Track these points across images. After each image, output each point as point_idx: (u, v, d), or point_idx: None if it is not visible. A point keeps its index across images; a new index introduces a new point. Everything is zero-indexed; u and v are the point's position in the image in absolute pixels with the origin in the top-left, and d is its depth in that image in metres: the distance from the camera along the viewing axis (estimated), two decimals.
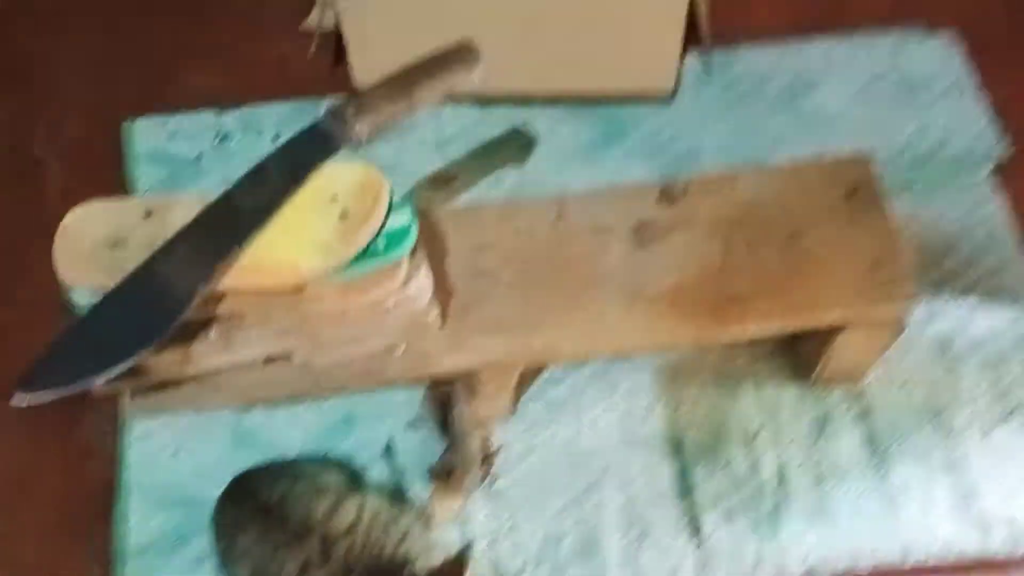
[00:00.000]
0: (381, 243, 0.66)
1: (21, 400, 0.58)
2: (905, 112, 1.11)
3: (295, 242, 0.64)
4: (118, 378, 0.70)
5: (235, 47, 1.12)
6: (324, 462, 0.91)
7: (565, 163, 1.08)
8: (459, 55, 0.71)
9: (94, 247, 0.63)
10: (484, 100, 1.11)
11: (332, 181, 0.66)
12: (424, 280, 0.70)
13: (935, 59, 1.15)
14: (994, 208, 1.06)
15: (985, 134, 1.10)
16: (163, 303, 0.61)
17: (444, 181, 1.06)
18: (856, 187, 0.83)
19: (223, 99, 1.12)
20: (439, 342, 0.76)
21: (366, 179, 0.66)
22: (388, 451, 0.94)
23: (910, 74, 1.14)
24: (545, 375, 0.97)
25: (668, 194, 0.82)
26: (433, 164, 1.08)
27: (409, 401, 0.96)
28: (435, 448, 0.94)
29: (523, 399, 0.96)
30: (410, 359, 0.75)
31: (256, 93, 1.12)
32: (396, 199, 0.67)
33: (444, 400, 0.93)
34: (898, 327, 0.82)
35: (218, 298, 0.65)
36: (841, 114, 1.11)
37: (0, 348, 0.92)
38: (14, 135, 1.10)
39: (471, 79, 0.71)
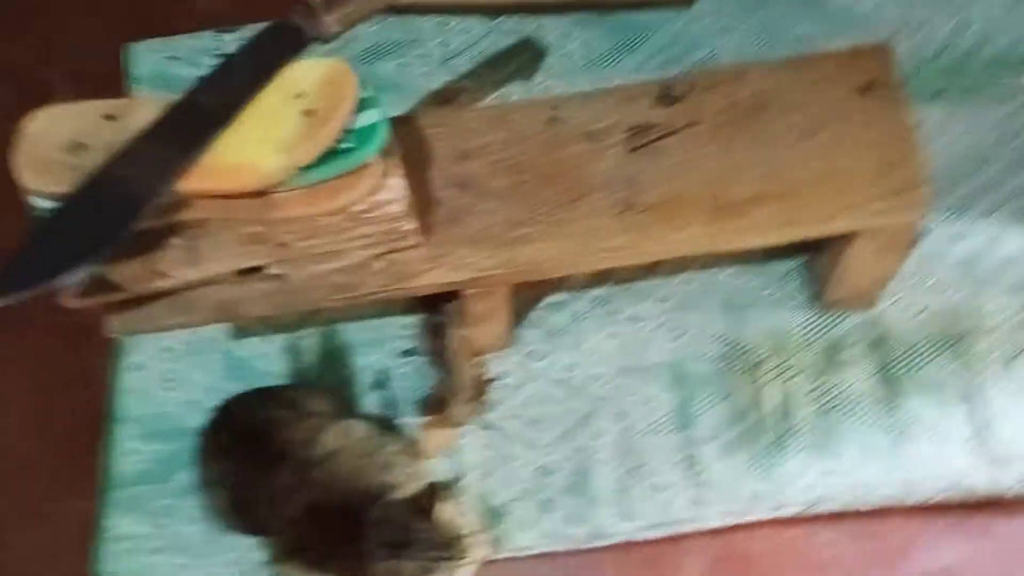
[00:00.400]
0: (349, 142, 0.62)
1: None
2: (943, 10, 1.03)
3: (256, 141, 0.61)
4: (94, 293, 0.69)
5: None
6: (314, 389, 0.89)
7: (574, 76, 1.02)
8: None
9: (55, 151, 0.61)
10: (492, 11, 1.06)
11: (298, 77, 0.63)
12: (399, 184, 0.66)
13: None
14: None
15: None
16: (124, 204, 0.59)
17: (448, 97, 1.02)
18: (872, 81, 0.76)
19: (225, 23, 1.09)
20: (419, 256, 0.72)
21: (333, 74, 0.62)
22: (380, 381, 0.92)
23: None
24: (545, 302, 0.94)
25: (668, 94, 0.77)
26: (438, 80, 1.04)
27: (405, 331, 0.94)
28: (429, 379, 0.92)
29: (522, 326, 0.93)
30: (389, 274, 0.72)
31: (258, 16, 1.09)
32: (367, 95, 0.64)
33: (438, 329, 0.90)
34: (911, 239, 0.77)
35: (180, 205, 0.62)
36: (872, 13, 1.04)
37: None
38: (22, 60, 1.09)
39: None
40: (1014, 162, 0.97)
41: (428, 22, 1.06)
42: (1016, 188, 0.96)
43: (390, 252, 0.71)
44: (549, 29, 1.05)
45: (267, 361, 0.93)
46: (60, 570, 0.89)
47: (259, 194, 0.63)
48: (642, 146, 0.75)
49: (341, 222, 0.66)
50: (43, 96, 0.64)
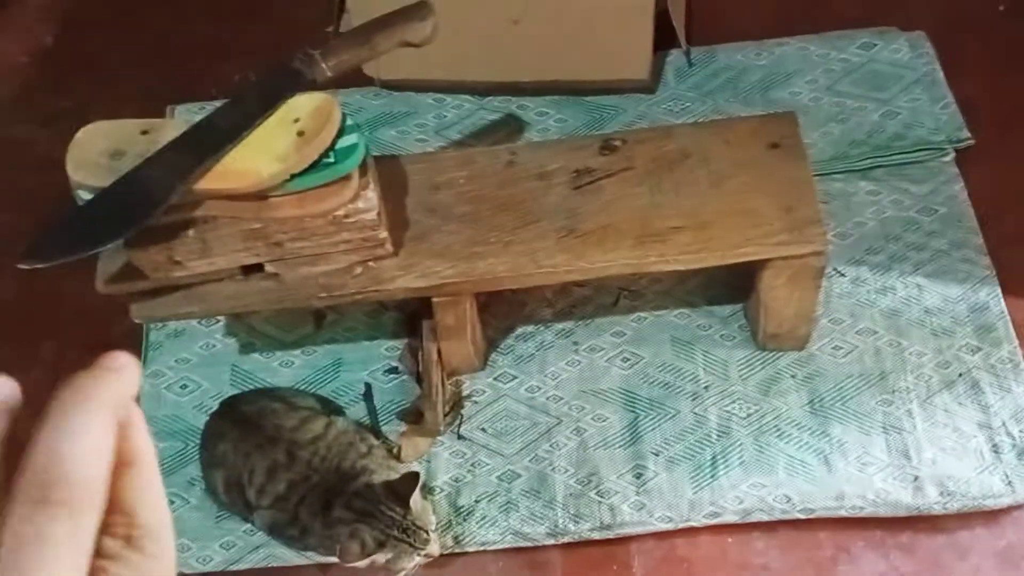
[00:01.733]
0: (332, 158, 0.78)
1: (25, 264, 0.71)
2: (874, 102, 1.18)
3: (260, 153, 0.77)
4: (121, 281, 0.84)
5: (267, 46, 1.28)
6: (307, 393, 1.03)
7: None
8: (414, 10, 0.83)
9: (98, 156, 0.77)
10: (481, 90, 1.23)
11: (296, 106, 0.79)
12: (373, 197, 0.81)
13: (905, 56, 1.22)
14: (955, 190, 1.11)
15: (950, 123, 1.16)
16: (148, 195, 0.74)
17: None
18: (779, 141, 0.91)
19: None
20: (393, 264, 0.87)
21: (323, 105, 0.79)
22: (367, 393, 1.05)
23: (881, 69, 1.21)
24: (515, 332, 1.07)
25: (608, 145, 0.92)
26: (432, 146, 1.21)
27: (390, 353, 1.07)
28: (409, 394, 1.04)
29: (492, 355, 1.06)
30: (367, 278, 0.87)
31: None
32: (349, 123, 0.80)
33: (418, 351, 1.03)
34: (815, 272, 0.89)
35: (195, 204, 0.78)
36: (812, 104, 1.19)
37: None
38: (79, 117, 1.28)
39: (424, 31, 0.84)
40: (935, 230, 1.09)
41: (426, 98, 1.24)
42: (936, 252, 1.08)
43: (368, 260, 0.86)
44: (530, 107, 1.23)
45: (268, 373, 1.07)
46: None
47: (259, 196, 0.78)
48: (583, 185, 0.90)
49: (326, 225, 0.81)
50: None
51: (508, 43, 1.16)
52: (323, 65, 0.80)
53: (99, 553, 0.27)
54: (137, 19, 1.39)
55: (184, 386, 1.07)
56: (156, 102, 1.26)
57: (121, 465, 0.28)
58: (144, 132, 0.78)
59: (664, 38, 1.21)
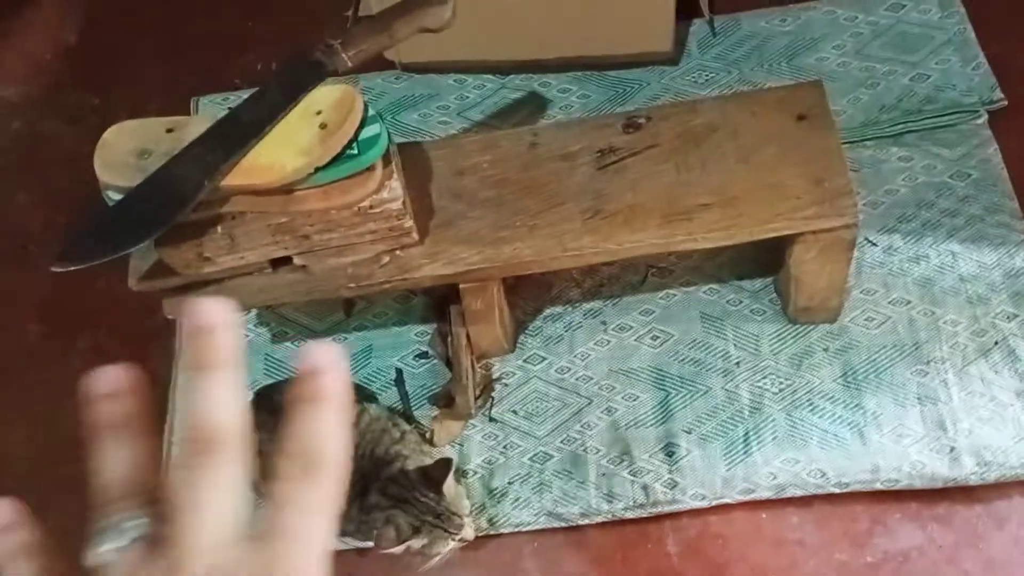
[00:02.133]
0: (356, 149, 0.78)
1: (58, 267, 0.72)
2: (903, 64, 1.16)
3: (283, 147, 0.77)
4: (154, 278, 0.85)
5: (288, 35, 1.28)
6: None
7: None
8: None
9: (125, 155, 0.78)
10: (502, 69, 1.22)
11: (318, 98, 0.79)
12: (397, 187, 0.81)
13: (935, 16, 1.19)
14: (988, 153, 1.09)
15: (981, 84, 1.13)
16: (176, 194, 0.75)
17: None
18: (806, 111, 0.89)
19: None
20: (419, 252, 0.87)
21: (344, 96, 0.79)
22: (398, 379, 1.06)
23: (909, 31, 1.19)
24: (544, 314, 1.07)
25: (632, 123, 0.91)
26: (454, 128, 1.20)
27: (420, 338, 1.08)
28: (440, 378, 1.05)
29: (521, 337, 1.06)
30: (394, 267, 0.87)
31: None
32: (371, 113, 0.79)
33: (447, 335, 1.04)
34: (846, 245, 0.88)
35: (222, 200, 0.78)
36: (840, 68, 1.17)
37: None
38: (105, 113, 1.29)
39: (443, 16, 0.83)
40: (969, 195, 1.08)
41: (447, 79, 1.23)
42: (971, 217, 1.06)
43: (395, 249, 0.86)
44: (552, 84, 1.21)
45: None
46: None
47: (285, 191, 0.78)
48: (608, 165, 0.89)
49: (351, 217, 0.81)
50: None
51: (528, 20, 1.15)
52: (343, 55, 0.80)
53: (277, 475, 0.34)
54: (158, 12, 1.40)
55: None
56: (180, 94, 1.27)
57: (305, 401, 0.35)
58: (169, 130, 0.79)
59: (687, 7, 1.19)
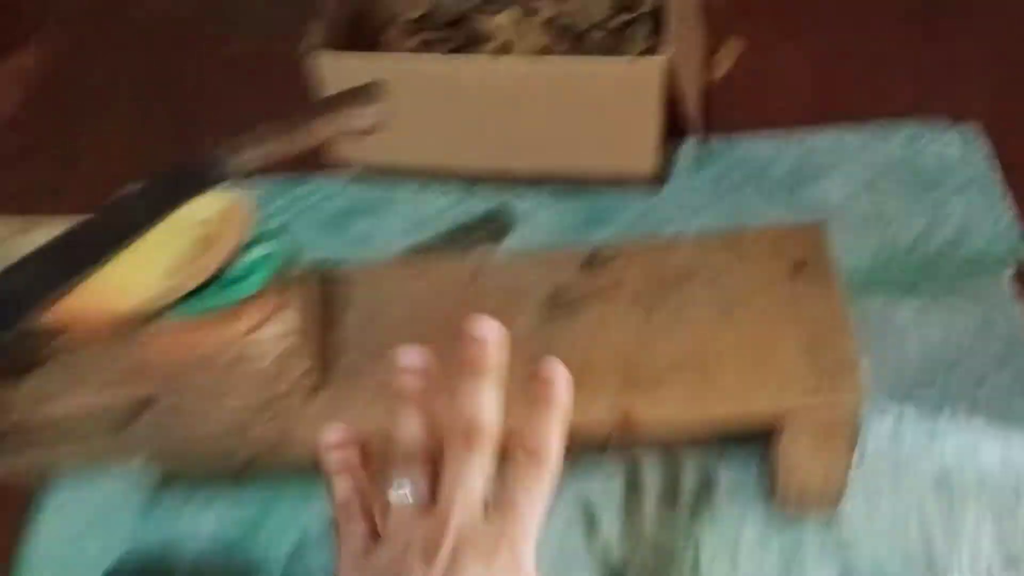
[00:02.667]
0: (238, 272, 0.63)
1: None
2: (917, 207, 1.02)
3: (146, 264, 0.62)
4: None
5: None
6: None
7: (543, 246, 1.03)
8: (359, 93, 0.69)
9: None
10: (469, 179, 1.09)
11: (200, 209, 0.64)
12: (290, 321, 0.65)
13: (954, 152, 1.05)
14: (1013, 317, 0.94)
15: (1006, 235, 0.98)
16: (3, 313, 0.60)
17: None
18: (804, 261, 0.74)
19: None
20: (315, 405, 0.70)
21: (231, 206, 0.64)
22: (294, 556, 0.87)
23: (926, 167, 1.05)
24: None
25: (593, 261, 0.76)
26: (407, 242, 1.05)
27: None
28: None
29: None
30: (277, 422, 0.69)
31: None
32: (265, 229, 0.64)
33: None
34: (848, 430, 0.71)
35: (61, 328, 0.63)
36: (845, 205, 1.02)
37: None
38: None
39: (370, 118, 0.69)
40: (993, 362, 0.91)
41: (408, 185, 1.10)
42: (996, 391, 0.90)
43: (283, 398, 0.69)
44: (523, 199, 1.07)
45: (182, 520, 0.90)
46: None
47: (144, 319, 0.62)
48: (560, 309, 0.73)
49: (225, 357, 0.65)
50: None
51: (500, 128, 1.01)
52: (233, 163, 0.65)
53: (510, 459, 0.45)
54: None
55: (86, 527, 0.90)
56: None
57: (538, 403, 0.47)
58: (24, 232, 0.64)
59: (679, 125, 1.06)
